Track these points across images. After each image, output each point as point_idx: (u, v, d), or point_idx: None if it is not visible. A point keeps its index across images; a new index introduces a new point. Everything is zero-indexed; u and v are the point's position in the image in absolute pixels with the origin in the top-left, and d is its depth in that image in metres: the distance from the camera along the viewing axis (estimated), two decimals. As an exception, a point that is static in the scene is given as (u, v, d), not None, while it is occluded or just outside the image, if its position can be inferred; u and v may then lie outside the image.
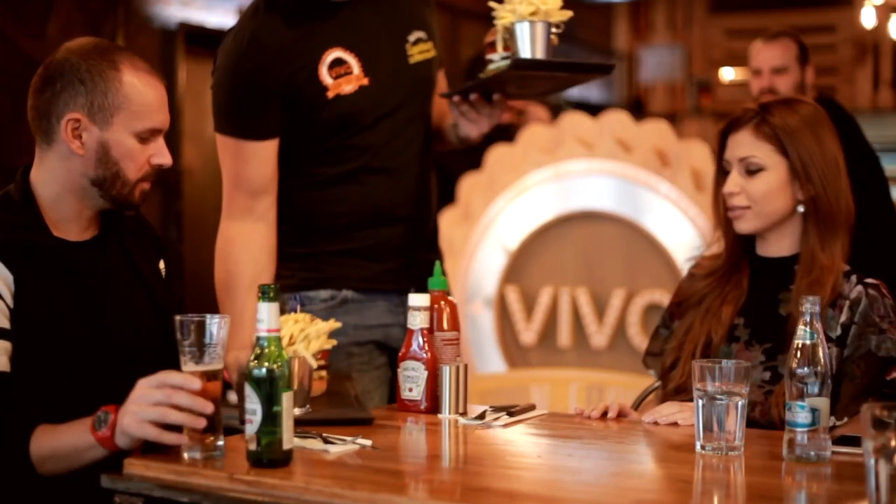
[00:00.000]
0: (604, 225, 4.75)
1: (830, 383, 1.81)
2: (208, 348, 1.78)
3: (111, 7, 6.04)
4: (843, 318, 2.13)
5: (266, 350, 1.71)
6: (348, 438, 1.88)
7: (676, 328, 2.33)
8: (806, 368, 1.79)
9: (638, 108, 9.46)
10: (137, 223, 2.24)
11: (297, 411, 1.93)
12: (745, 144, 2.23)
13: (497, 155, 4.93)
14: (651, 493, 1.72)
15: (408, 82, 2.64)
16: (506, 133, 5.11)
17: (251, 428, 1.71)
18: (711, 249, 2.38)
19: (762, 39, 4.25)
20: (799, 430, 1.79)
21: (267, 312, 1.73)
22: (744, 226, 2.25)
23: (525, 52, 2.49)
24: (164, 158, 2.07)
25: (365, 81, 2.55)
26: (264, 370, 1.70)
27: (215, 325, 1.79)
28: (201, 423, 1.77)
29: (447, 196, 4.97)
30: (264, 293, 1.73)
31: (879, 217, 4.14)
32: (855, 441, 1.80)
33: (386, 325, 2.64)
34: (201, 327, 1.78)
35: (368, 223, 2.62)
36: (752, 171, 2.22)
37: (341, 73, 2.54)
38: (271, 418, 1.69)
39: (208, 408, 1.77)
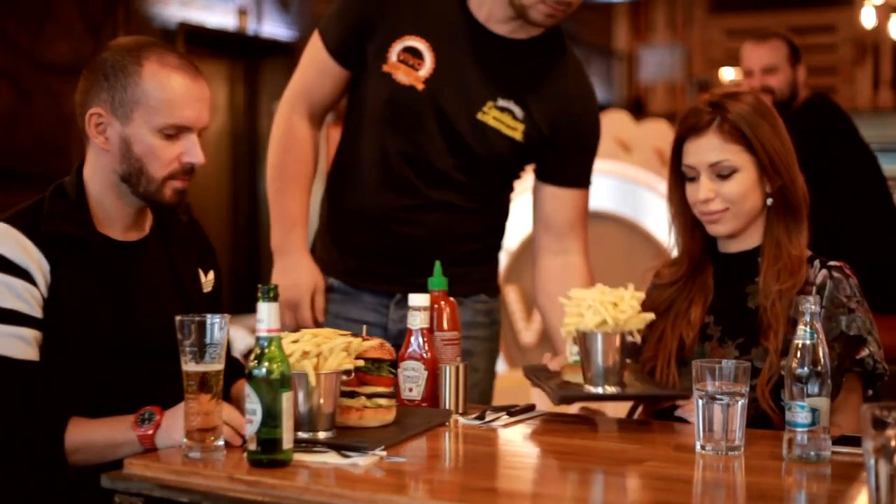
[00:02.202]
0: (604, 225, 4.75)
1: (830, 383, 1.81)
2: (209, 348, 1.78)
3: (111, 7, 6.04)
4: None
5: (266, 350, 1.71)
6: (368, 452, 1.80)
7: (649, 337, 2.31)
8: (806, 368, 1.79)
9: (638, 108, 9.46)
10: (190, 231, 2.23)
11: (321, 435, 1.86)
12: (712, 149, 2.20)
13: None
14: (651, 493, 1.72)
15: (459, 129, 2.54)
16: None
17: (251, 428, 1.70)
18: (668, 257, 2.37)
19: (752, 40, 4.26)
20: (799, 430, 1.79)
21: (267, 312, 1.73)
22: (722, 228, 2.23)
23: (596, 366, 2.09)
24: (194, 157, 2.04)
25: (420, 86, 2.52)
26: (264, 370, 1.70)
27: (216, 325, 1.79)
28: (237, 440, 1.84)
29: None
30: (265, 293, 1.73)
31: (878, 214, 4.14)
32: (855, 441, 1.80)
33: (367, 324, 2.57)
34: (202, 327, 1.78)
35: (356, 221, 2.64)
36: (724, 174, 2.19)
37: (408, 61, 2.52)
38: (271, 418, 1.69)
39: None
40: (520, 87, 2.57)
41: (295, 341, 1.88)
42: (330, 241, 2.70)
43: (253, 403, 1.70)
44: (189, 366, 1.78)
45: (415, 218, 2.60)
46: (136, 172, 2.03)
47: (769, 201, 2.22)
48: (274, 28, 6.89)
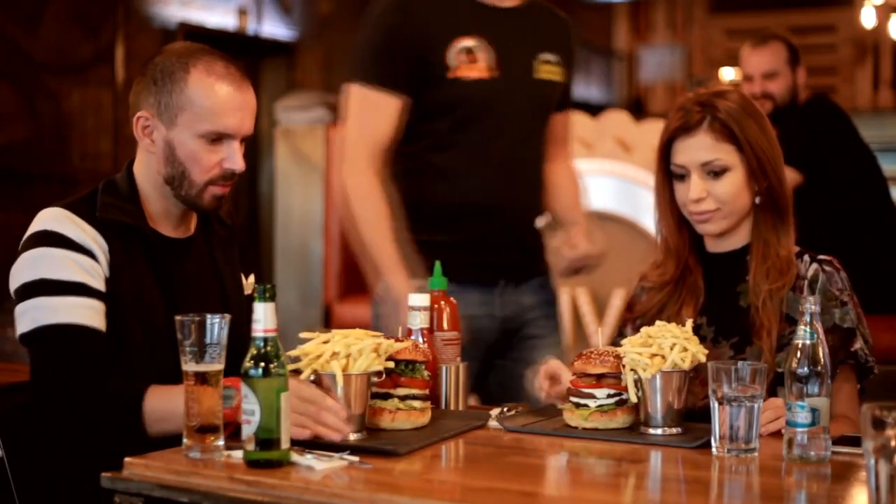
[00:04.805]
0: (604, 225, 4.74)
1: (830, 383, 1.81)
2: (209, 348, 1.78)
3: (111, 7, 6.04)
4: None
5: (263, 350, 1.71)
6: (335, 454, 1.77)
7: None
8: (806, 368, 1.79)
9: (638, 108, 9.46)
10: (230, 234, 2.29)
11: (352, 437, 1.86)
12: (704, 148, 2.20)
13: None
14: (651, 492, 1.72)
15: (529, 93, 2.78)
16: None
17: (249, 428, 1.70)
18: (653, 260, 2.38)
19: (750, 44, 4.25)
20: (799, 430, 1.79)
21: (264, 312, 1.73)
22: (712, 227, 2.23)
23: (667, 407, 1.97)
24: (235, 164, 2.11)
25: (486, 75, 2.69)
26: (261, 370, 1.70)
27: (216, 325, 1.79)
28: (336, 437, 1.83)
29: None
30: (261, 293, 1.73)
31: (878, 214, 4.14)
32: (855, 441, 1.80)
33: (476, 317, 2.69)
34: (202, 327, 1.78)
35: (463, 216, 2.73)
36: (716, 173, 2.19)
37: (468, 60, 2.69)
38: (269, 419, 1.69)
39: (346, 430, 1.84)
40: (542, 34, 2.83)
41: (326, 342, 1.88)
42: (434, 248, 2.65)
43: (251, 404, 1.70)
44: (189, 366, 1.78)
45: (506, 188, 2.77)
46: (179, 176, 2.10)
47: (757, 200, 2.22)
48: (274, 28, 6.89)
